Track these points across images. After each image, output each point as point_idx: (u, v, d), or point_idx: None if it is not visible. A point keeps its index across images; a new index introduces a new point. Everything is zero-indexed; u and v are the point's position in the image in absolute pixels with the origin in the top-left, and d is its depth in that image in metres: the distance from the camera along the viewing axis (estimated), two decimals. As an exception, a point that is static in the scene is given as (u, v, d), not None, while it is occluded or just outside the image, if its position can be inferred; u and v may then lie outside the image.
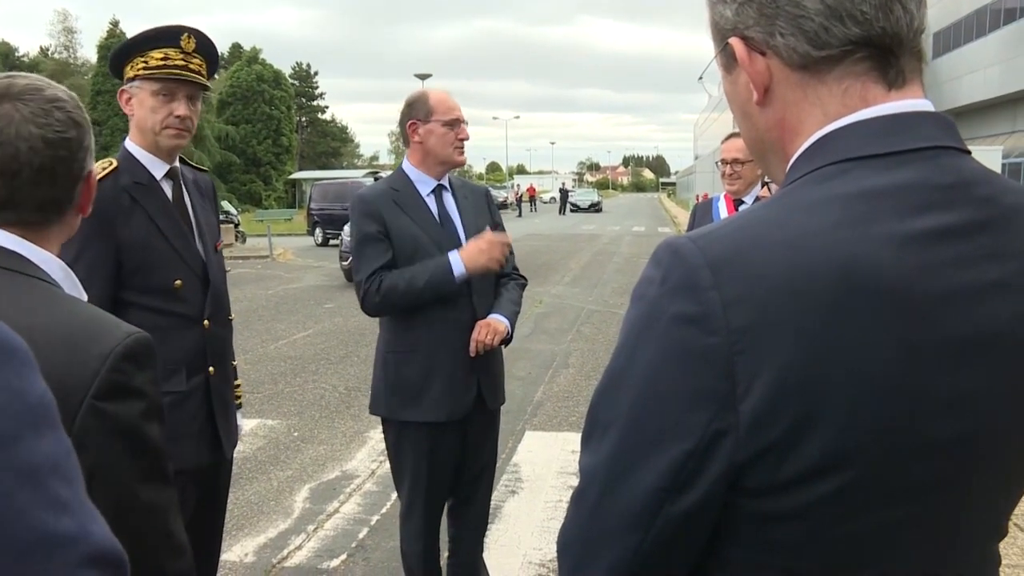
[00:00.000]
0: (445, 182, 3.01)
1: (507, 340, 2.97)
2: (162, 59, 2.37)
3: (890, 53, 0.82)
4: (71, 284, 1.22)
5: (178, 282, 2.38)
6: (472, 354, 2.86)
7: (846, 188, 0.79)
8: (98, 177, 2.29)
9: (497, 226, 3.10)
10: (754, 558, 0.81)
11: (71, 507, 0.78)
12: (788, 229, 0.77)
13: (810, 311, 0.73)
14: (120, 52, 2.40)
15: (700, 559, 0.84)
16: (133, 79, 2.39)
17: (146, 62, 2.37)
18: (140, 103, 2.39)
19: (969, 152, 0.83)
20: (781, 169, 0.90)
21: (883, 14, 0.81)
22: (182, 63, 2.40)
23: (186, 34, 2.42)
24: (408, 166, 2.99)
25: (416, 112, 2.92)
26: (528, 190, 61.27)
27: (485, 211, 3.09)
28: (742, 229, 0.79)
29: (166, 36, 2.39)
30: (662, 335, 0.78)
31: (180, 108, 2.41)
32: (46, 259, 1.19)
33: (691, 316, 0.76)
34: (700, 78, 1.00)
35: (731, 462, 0.76)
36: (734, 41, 0.86)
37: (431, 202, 2.95)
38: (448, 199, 3.01)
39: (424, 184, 2.96)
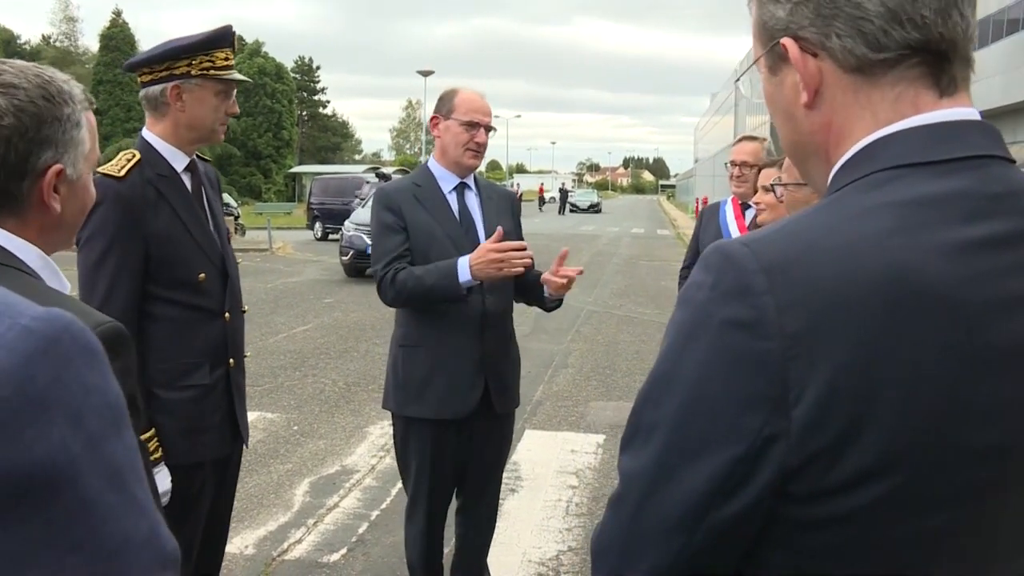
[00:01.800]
0: (469, 181, 2.99)
1: (555, 303, 2.95)
2: (225, 59, 2.41)
3: (944, 59, 0.82)
4: (51, 272, 1.20)
5: (202, 275, 2.39)
6: (564, 282, 2.79)
7: (897, 195, 0.79)
8: (126, 170, 2.30)
9: (517, 228, 3.07)
10: (796, 564, 0.80)
11: (146, 508, 0.81)
12: (841, 235, 0.77)
13: (863, 317, 0.73)
14: (185, 49, 2.37)
15: (741, 564, 0.83)
16: (191, 76, 2.37)
17: (212, 62, 2.37)
18: (199, 101, 2.39)
19: (1015, 162, 0.84)
20: (822, 174, 0.90)
21: (942, 19, 0.81)
22: (235, 63, 2.48)
23: (235, 33, 2.49)
24: (432, 162, 3.00)
25: (440, 107, 2.93)
26: (539, 189, 64.38)
27: (508, 214, 3.07)
28: (795, 235, 0.79)
29: (227, 37, 2.43)
30: (713, 339, 0.77)
31: (235, 106, 2.50)
32: (21, 246, 1.17)
33: (744, 321, 0.76)
34: (737, 81, 0.99)
35: (781, 468, 0.75)
36: (787, 41, 0.85)
37: (452, 199, 2.94)
38: (471, 198, 2.99)
39: (446, 181, 2.95)
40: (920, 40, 0.81)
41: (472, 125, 2.87)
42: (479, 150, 2.92)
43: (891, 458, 0.74)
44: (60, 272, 1.23)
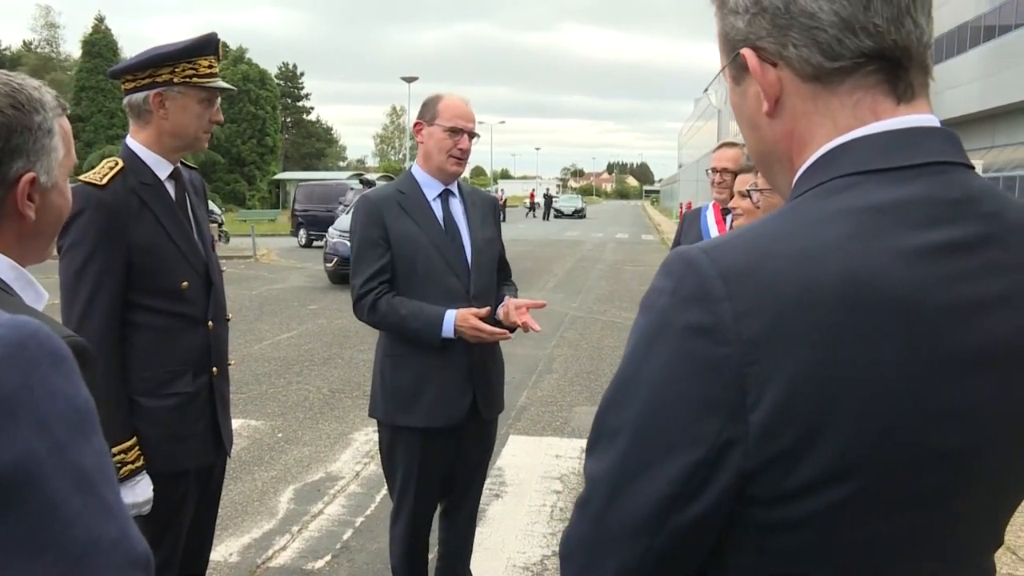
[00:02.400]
0: (453, 188, 2.99)
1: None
2: (208, 67, 2.40)
3: (900, 67, 0.84)
4: (24, 283, 1.19)
5: (185, 283, 2.38)
6: (520, 322, 2.83)
7: (855, 202, 0.80)
8: (108, 178, 2.29)
9: (498, 234, 3.11)
10: (757, 566, 0.81)
11: (114, 510, 0.81)
12: (799, 242, 0.78)
13: (820, 323, 0.74)
14: (167, 56, 2.35)
15: (706, 565, 0.84)
16: (173, 84, 2.35)
17: (195, 69, 2.36)
18: (182, 108, 2.38)
19: (973, 168, 0.85)
20: (787, 181, 0.91)
21: (895, 27, 0.82)
22: (218, 71, 2.46)
23: (219, 41, 2.48)
24: (416, 169, 2.99)
25: (424, 113, 2.93)
26: (530, 195, 65.32)
27: (491, 220, 3.08)
28: (754, 241, 0.80)
29: (211, 45, 2.42)
30: (673, 345, 0.78)
31: (219, 114, 2.48)
32: None
33: (702, 327, 0.76)
34: (706, 90, 1.02)
35: (739, 472, 0.76)
36: (746, 52, 0.87)
37: (437, 206, 2.94)
38: (455, 205, 2.99)
39: (431, 188, 2.95)
40: (874, 48, 0.82)
41: (456, 131, 2.87)
42: (462, 156, 2.92)
43: (851, 462, 0.75)
44: (35, 281, 1.21)
